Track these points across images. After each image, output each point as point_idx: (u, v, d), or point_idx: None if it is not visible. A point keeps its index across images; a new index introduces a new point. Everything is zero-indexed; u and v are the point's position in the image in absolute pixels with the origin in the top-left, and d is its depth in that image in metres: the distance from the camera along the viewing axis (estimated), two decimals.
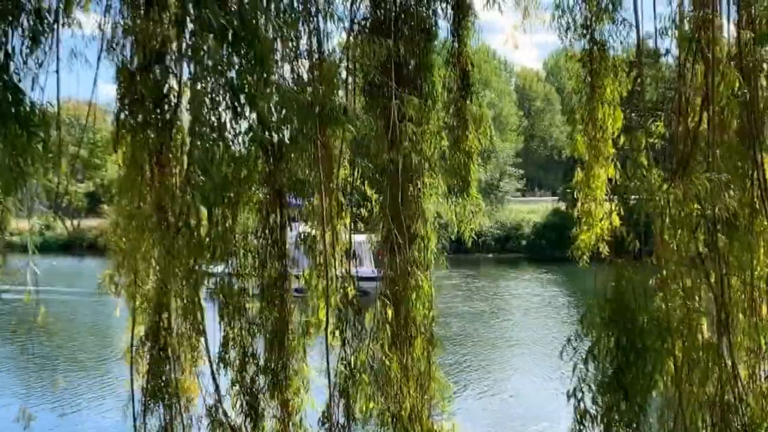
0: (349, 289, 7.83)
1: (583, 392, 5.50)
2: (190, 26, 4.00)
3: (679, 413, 5.45)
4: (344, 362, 7.41)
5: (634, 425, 5.38)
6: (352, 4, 7.50)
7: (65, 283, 39.97)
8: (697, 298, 5.64)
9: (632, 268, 5.48)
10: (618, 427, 5.42)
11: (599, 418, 5.48)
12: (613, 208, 7.77)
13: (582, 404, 5.55)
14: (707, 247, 5.49)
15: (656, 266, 5.51)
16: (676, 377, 5.46)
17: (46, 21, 5.59)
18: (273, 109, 5.02)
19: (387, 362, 7.40)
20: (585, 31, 8.21)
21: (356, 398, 7.15)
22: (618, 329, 5.38)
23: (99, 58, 6.02)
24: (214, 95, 3.94)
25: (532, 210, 65.94)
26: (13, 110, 4.35)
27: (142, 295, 7.11)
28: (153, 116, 5.27)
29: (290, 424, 8.10)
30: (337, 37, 8.86)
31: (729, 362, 5.48)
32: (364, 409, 7.19)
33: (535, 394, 19.75)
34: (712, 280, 5.48)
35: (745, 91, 5.68)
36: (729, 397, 5.48)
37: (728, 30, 6.37)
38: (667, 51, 6.24)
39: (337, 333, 7.57)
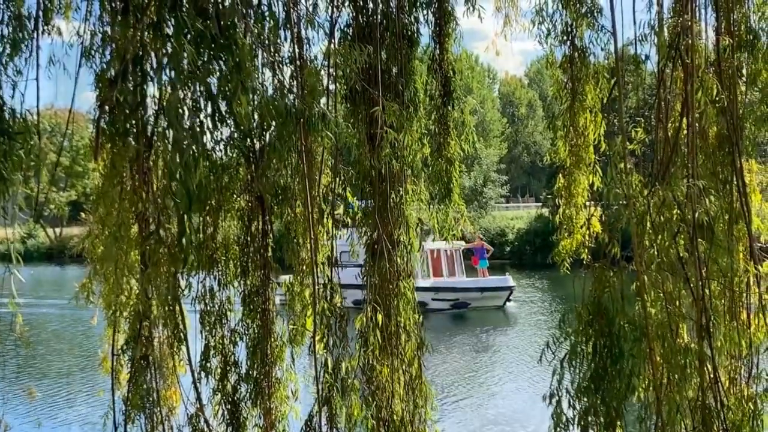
0: (336, 297, 7.80)
1: (560, 396, 5.51)
2: (168, 32, 3.97)
3: (659, 418, 5.46)
4: (329, 370, 7.38)
5: (611, 429, 5.40)
6: (333, 11, 7.49)
7: (38, 293, 39.72)
8: (677, 302, 5.66)
9: (611, 273, 5.50)
10: (595, 430, 5.44)
11: (576, 421, 5.50)
12: (594, 213, 7.80)
13: (559, 408, 5.57)
14: (687, 251, 5.51)
15: (636, 271, 5.52)
16: (656, 382, 5.47)
17: (26, 28, 5.56)
18: (252, 116, 5.01)
19: (378, 367, 7.39)
20: (565, 38, 8.24)
21: (344, 406, 7.13)
22: (596, 334, 5.40)
23: (79, 65, 6.00)
24: (192, 102, 3.91)
25: (516, 216, 66.28)
26: None
27: (121, 303, 7.06)
28: (132, 123, 5.22)
29: None
30: (319, 44, 8.87)
31: (710, 367, 5.49)
32: (355, 414, 7.17)
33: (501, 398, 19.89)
34: (693, 284, 5.49)
35: (723, 97, 5.71)
36: (710, 401, 5.49)
37: (707, 36, 6.41)
38: (647, 57, 6.26)
39: (322, 342, 7.55)
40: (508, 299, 35.51)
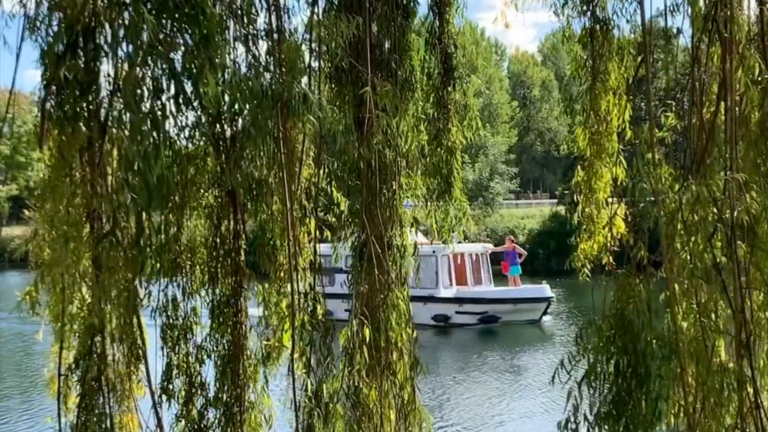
0: (318, 307, 7.80)
1: (577, 423, 5.52)
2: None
3: None
4: (309, 394, 7.38)
5: None
6: None
7: None
8: (713, 315, 5.67)
9: (637, 281, 5.51)
10: None
11: None
12: (617, 211, 7.81)
13: None
14: (725, 256, 5.52)
15: (665, 278, 5.53)
16: (688, 407, 5.49)
17: None
18: (222, 98, 5.01)
19: (365, 390, 7.40)
20: (585, 8, 8.26)
21: None
22: (618, 351, 5.40)
23: (21, 39, 5.97)
24: (152, 81, 3.91)
25: (527, 215, 66.36)
26: None
27: (71, 315, 7.04)
28: (83, 106, 5.22)
29: None
30: (300, 14, 8.86)
31: (750, 389, 5.51)
32: None
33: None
34: (731, 294, 5.51)
35: (766, 76, 5.71)
36: (750, 429, 5.51)
37: (749, 5, 6.41)
38: (678, 31, 6.27)
39: (302, 360, 7.55)
40: (545, 312, 34.54)
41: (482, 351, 30.07)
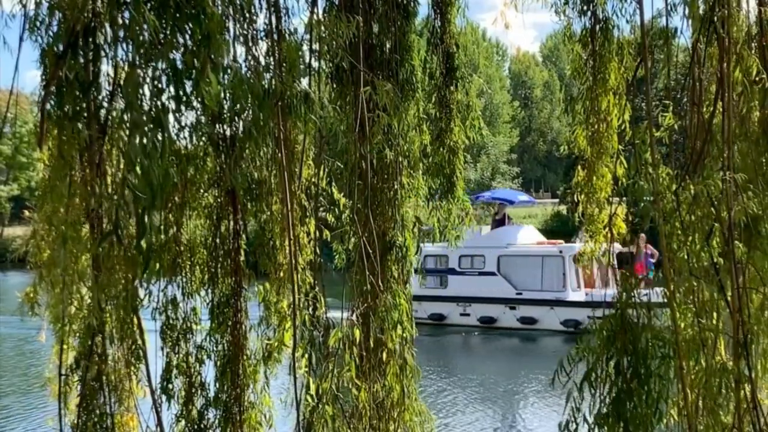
0: (320, 307, 7.83)
1: (577, 424, 5.52)
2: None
3: None
4: (309, 393, 7.41)
5: None
6: None
7: None
8: (712, 314, 5.68)
9: (636, 280, 5.53)
10: None
11: None
12: (617, 211, 7.83)
13: None
14: (723, 256, 5.53)
15: (664, 278, 5.55)
16: (689, 407, 5.50)
17: None
18: (223, 97, 5.03)
19: (355, 391, 7.41)
20: (586, 7, 8.28)
21: None
22: (618, 351, 5.41)
23: (21, 39, 6.00)
24: (153, 80, 3.93)
25: (529, 214, 66.19)
26: None
27: (71, 315, 7.07)
28: (83, 105, 5.24)
29: None
30: (299, 15, 8.88)
31: (748, 389, 5.52)
32: None
33: None
34: (729, 294, 5.52)
35: (764, 76, 5.72)
36: (748, 428, 5.52)
37: (748, 5, 6.42)
38: (676, 30, 6.29)
39: (303, 360, 7.57)
40: None
41: None
